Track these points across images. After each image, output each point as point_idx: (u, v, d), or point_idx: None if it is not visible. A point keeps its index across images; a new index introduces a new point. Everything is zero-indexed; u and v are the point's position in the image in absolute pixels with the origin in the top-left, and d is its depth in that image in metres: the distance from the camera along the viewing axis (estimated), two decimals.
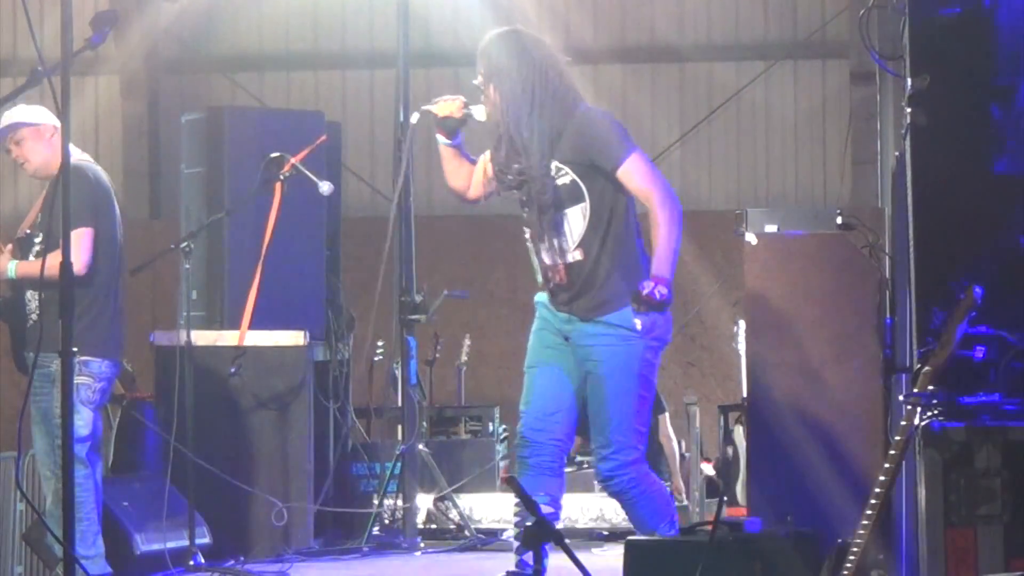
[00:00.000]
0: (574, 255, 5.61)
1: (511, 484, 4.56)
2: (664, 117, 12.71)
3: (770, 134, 12.68)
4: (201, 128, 8.60)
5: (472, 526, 8.64)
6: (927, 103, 5.96)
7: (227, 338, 8.16)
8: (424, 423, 9.13)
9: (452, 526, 8.73)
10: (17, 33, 12.87)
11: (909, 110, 6.05)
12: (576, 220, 5.57)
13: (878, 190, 11.71)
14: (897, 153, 7.32)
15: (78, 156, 6.58)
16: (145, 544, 7.32)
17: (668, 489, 5.85)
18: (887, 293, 7.51)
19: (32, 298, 6.41)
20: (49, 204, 6.46)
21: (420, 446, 8.69)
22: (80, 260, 6.34)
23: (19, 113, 6.67)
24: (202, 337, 7.99)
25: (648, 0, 12.72)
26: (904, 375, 7.04)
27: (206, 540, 7.57)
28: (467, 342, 10.63)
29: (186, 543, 7.39)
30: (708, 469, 9.95)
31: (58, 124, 6.54)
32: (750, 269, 7.46)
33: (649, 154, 12.75)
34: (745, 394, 7.71)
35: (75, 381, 6.25)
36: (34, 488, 9.44)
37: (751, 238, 7.47)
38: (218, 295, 8.36)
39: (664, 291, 5.38)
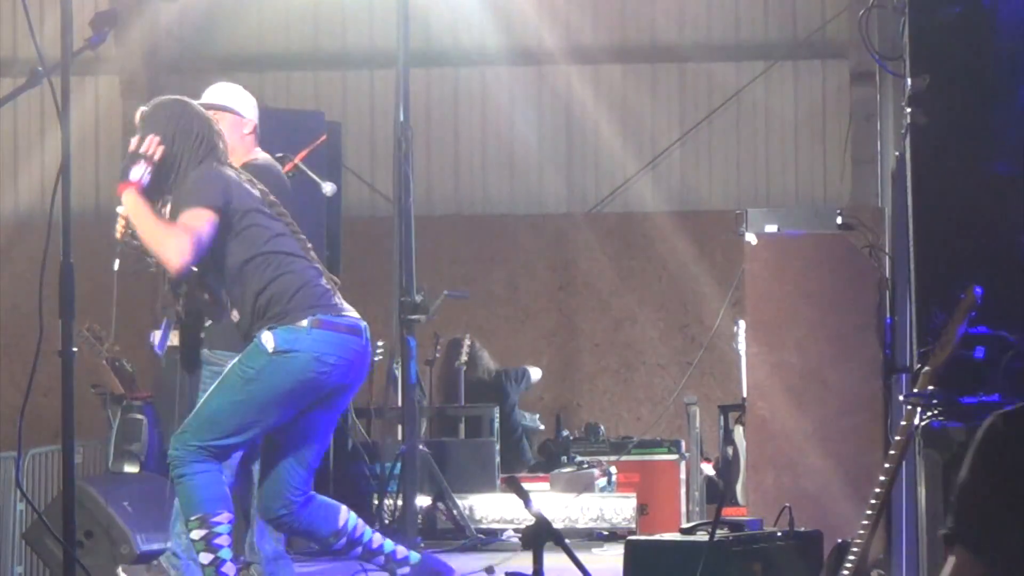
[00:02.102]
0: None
1: (511, 484, 4.56)
2: (664, 117, 12.70)
3: (770, 134, 12.68)
4: None
5: (472, 526, 8.64)
6: (927, 103, 5.96)
7: None
8: (424, 422, 9.13)
9: (452, 526, 8.74)
10: (17, 33, 12.86)
11: (909, 110, 6.04)
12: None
13: (878, 190, 11.71)
14: (897, 153, 7.32)
15: (264, 156, 6.65)
16: (145, 544, 7.32)
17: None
18: (887, 293, 7.51)
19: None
20: None
21: (420, 446, 8.69)
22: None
23: (232, 97, 6.68)
24: None
25: (648, 0, 12.71)
26: (904, 375, 7.04)
27: None
28: (467, 342, 10.63)
29: None
30: (708, 469, 9.95)
31: (256, 121, 6.63)
32: (750, 269, 7.47)
33: (649, 154, 12.84)
34: (745, 394, 7.72)
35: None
36: (34, 488, 9.45)
37: (751, 238, 7.47)
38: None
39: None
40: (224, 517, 5.52)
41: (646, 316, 12.22)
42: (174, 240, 5.43)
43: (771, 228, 7.51)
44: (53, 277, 4.81)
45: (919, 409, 5.25)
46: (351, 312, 5.62)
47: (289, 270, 5.58)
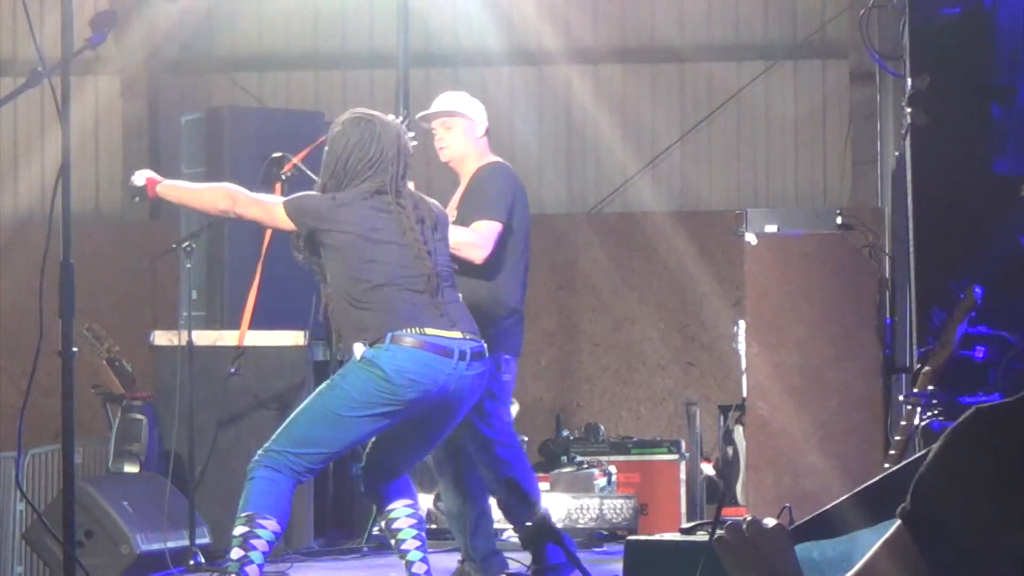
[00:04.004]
0: None
1: (510, 484, 4.56)
2: (664, 117, 12.70)
3: (770, 134, 12.67)
4: (201, 128, 8.60)
5: None
6: (927, 103, 5.97)
7: (227, 338, 8.16)
8: None
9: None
10: (17, 33, 12.86)
11: (909, 110, 6.05)
12: None
13: (878, 190, 11.70)
14: (897, 153, 7.32)
15: (493, 156, 6.72)
16: (145, 544, 7.32)
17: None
18: (887, 293, 7.52)
19: None
20: (465, 198, 6.65)
21: None
22: (484, 249, 6.47)
23: (463, 102, 6.77)
24: (202, 337, 7.99)
25: (648, 0, 12.71)
26: (904, 375, 7.05)
27: (206, 540, 7.57)
28: None
29: (186, 543, 7.39)
30: (708, 469, 9.95)
31: (487, 124, 6.70)
32: (750, 269, 7.47)
33: (649, 154, 12.83)
34: (745, 394, 7.72)
35: (504, 379, 6.51)
36: (34, 488, 9.45)
37: (751, 238, 7.47)
38: (218, 295, 8.36)
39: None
40: (271, 524, 5.56)
41: (646, 316, 12.22)
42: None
43: (771, 228, 7.51)
44: (53, 277, 4.81)
45: (919, 409, 5.26)
46: (446, 333, 5.69)
47: (374, 299, 5.69)
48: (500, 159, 6.82)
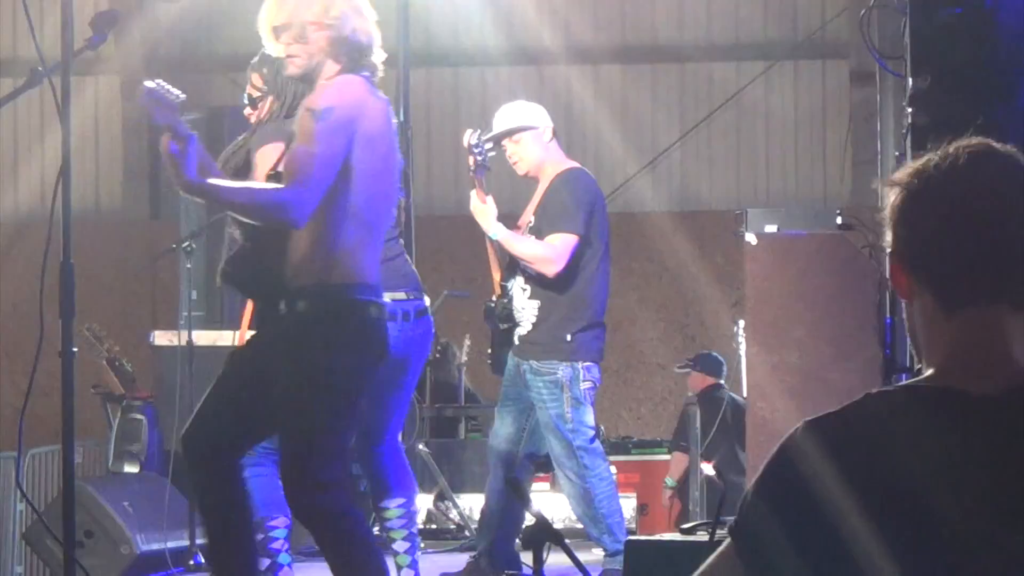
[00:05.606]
0: None
1: (511, 485, 4.56)
2: (664, 117, 12.71)
3: (770, 134, 12.68)
4: (201, 128, 8.60)
5: (472, 526, 8.64)
6: (927, 103, 5.96)
7: (227, 338, 8.15)
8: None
9: (452, 526, 8.73)
10: (17, 33, 12.86)
11: (909, 110, 6.05)
12: None
13: (878, 190, 11.70)
14: (897, 153, 7.32)
15: (569, 162, 6.69)
16: (145, 544, 7.32)
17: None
18: (887, 293, 7.51)
19: (524, 307, 6.49)
20: (542, 206, 6.58)
21: (420, 446, 8.69)
22: (558, 264, 6.42)
23: (522, 115, 6.72)
24: (202, 337, 7.99)
25: (648, 0, 12.71)
26: (904, 375, 7.04)
27: (206, 540, 7.57)
28: (467, 342, 10.62)
29: (186, 543, 7.39)
30: (708, 469, 9.95)
31: (551, 124, 6.65)
32: (750, 269, 7.47)
33: (649, 154, 12.84)
34: (745, 394, 7.72)
35: (583, 387, 6.51)
36: (34, 488, 9.46)
37: (751, 238, 7.47)
38: (218, 295, 8.37)
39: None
40: (280, 521, 5.53)
41: (646, 316, 12.23)
42: None
43: (771, 228, 7.51)
44: (53, 277, 4.81)
45: None
46: (388, 296, 5.61)
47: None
48: (577, 164, 6.78)
